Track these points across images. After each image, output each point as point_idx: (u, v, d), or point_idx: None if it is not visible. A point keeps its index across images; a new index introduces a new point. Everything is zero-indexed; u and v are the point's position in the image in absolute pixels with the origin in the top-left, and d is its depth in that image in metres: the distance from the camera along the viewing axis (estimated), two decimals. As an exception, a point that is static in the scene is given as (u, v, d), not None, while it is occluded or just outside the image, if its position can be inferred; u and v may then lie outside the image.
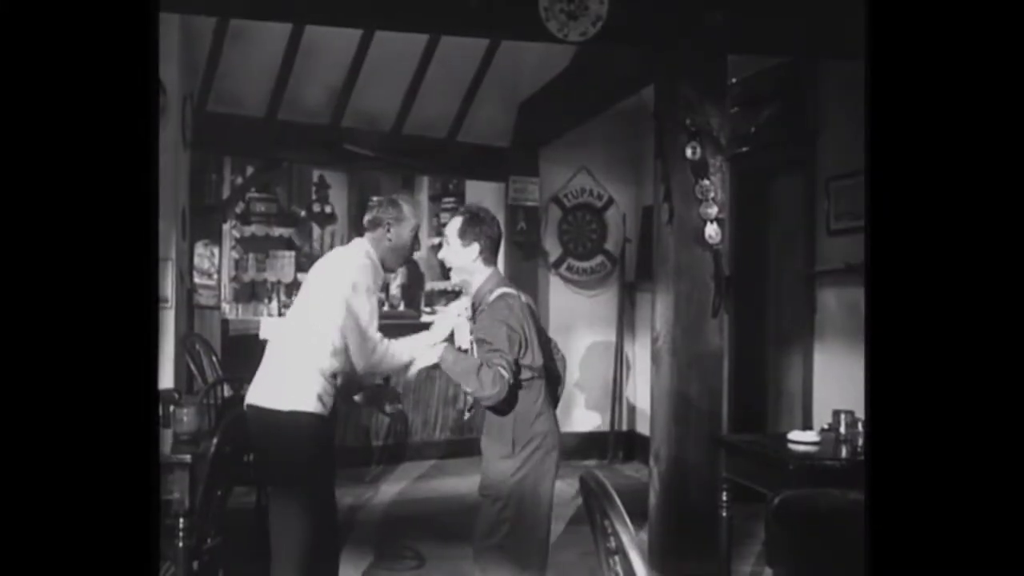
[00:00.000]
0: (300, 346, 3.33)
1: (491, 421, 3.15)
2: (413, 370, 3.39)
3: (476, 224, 3.22)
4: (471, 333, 3.24)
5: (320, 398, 3.29)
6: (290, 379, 3.29)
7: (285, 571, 3.27)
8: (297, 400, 3.26)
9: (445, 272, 3.52)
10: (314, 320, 3.33)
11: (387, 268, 3.55)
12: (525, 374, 3.10)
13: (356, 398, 3.65)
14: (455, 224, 3.25)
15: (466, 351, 3.21)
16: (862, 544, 1.49)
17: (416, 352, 3.35)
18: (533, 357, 3.13)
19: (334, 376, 3.35)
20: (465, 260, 3.22)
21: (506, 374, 2.97)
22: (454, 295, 8.48)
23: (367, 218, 3.52)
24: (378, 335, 3.34)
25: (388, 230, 3.46)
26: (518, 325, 3.09)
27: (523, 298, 3.22)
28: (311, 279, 3.51)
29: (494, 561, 3.08)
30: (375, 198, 3.62)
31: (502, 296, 3.15)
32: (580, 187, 7.39)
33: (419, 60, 6.36)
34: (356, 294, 3.30)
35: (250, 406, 3.34)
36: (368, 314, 3.31)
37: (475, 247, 3.20)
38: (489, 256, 3.24)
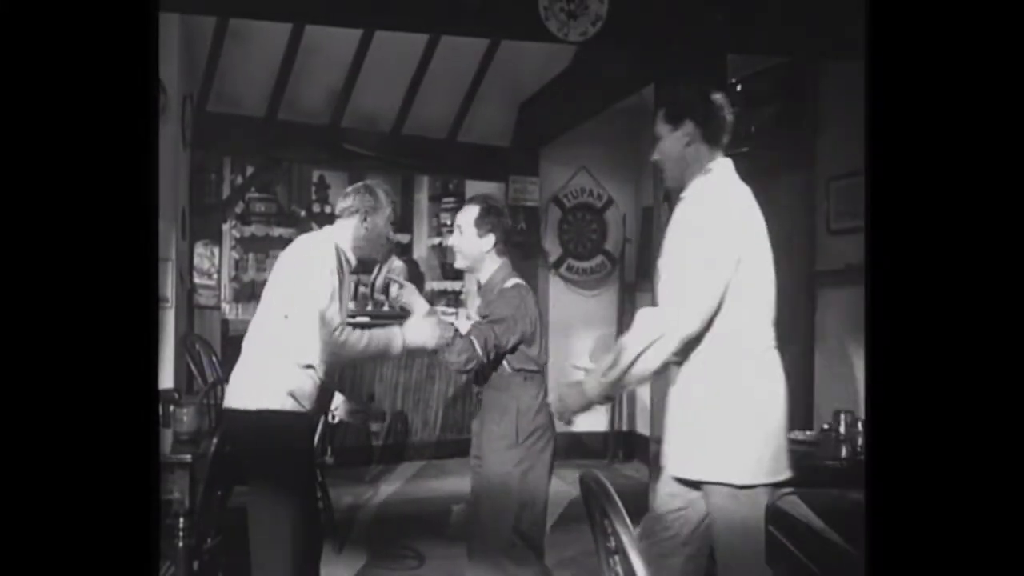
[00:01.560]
0: (267, 339, 3.16)
1: (491, 413, 3.16)
2: (395, 350, 3.23)
3: (493, 215, 3.22)
4: (477, 314, 3.26)
5: (292, 394, 3.09)
6: (259, 377, 3.13)
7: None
8: (267, 399, 3.09)
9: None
10: (280, 308, 3.15)
11: (362, 257, 3.36)
12: (529, 366, 3.15)
13: (338, 414, 3.60)
14: (471, 213, 3.22)
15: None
16: (862, 544, 1.49)
17: (396, 335, 3.19)
18: (540, 351, 3.17)
19: (310, 366, 3.13)
20: (479, 250, 3.22)
21: (478, 347, 3.02)
22: (454, 295, 8.49)
23: (341, 206, 3.34)
24: (338, 319, 3.11)
25: (364, 219, 3.28)
26: (527, 317, 3.12)
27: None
28: (276, 268, 3.34)
29: (507, 558, 3.08)
30: (349, 187, 3.44)
31: (516, 287, 3.19)
32: (580, 187, 7.39)
33: (419, 60, 6.36)
34: (313, 274, 3.11)
35: (225, 409, 3.22)
36: (327, 296, 3.09)
37: (491, 238, 3.20)
38: (502, 247, 3.24)
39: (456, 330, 3.11)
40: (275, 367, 3.11)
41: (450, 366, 3.12)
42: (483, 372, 3.16)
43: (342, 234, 3.29)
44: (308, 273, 3.11)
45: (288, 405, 3.09)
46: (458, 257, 3.32)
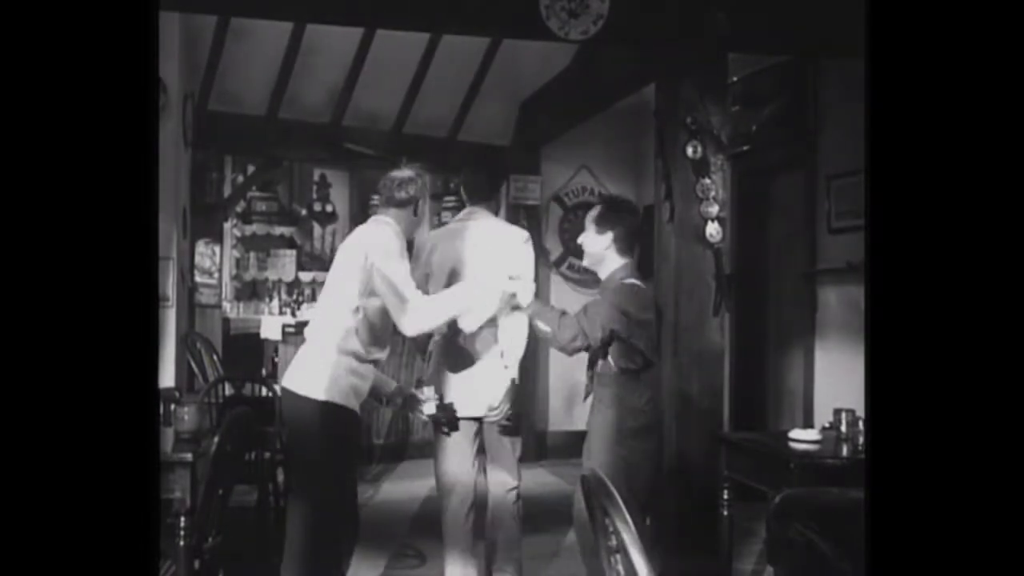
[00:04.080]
0: (335, 330, 3.25)
1: (597, 407, 3.27)
2: (473, 324, 3.43)
3: (613, 212, 3.35)
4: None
5: (354, 389, 3.24)
6: (325, 368, 3.22)
7: (295, 565, 3.26)
8: (331, 391, 3.20)
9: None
10: (340, 297, 3.26)
11: (408, 238, 3.44)
12: (632, 364, 3.22)
13: (426, 410, 3.57)
14: (594, 211, 3.39)
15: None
16: (863, 543, 1.49)
17: (471, 300, 3.34)
18: (648, 350, 3.23)
19: (375, 360, 3.30)
20: (599, 247, 3.34)
21: (585, 326, 3.13)
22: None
23: (401, 196, 3.35)
24: (417, 293, 3.23)
25: (416, 206, 3.39)
26: (637, 311, 3.19)
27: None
28: (336, 258, 3.42)
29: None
30: (396, 176, 3.40)
31: (631, 285, 3.27)
32: (581, 186, 7.38)
33: (420, 59, 6.36)
34: (387, 259, 3.20)
35: (284, 389, 3.33)
36: (403, 276, 3.22)
37: (609, 235, 3.31)
38: (624, 247, 3.33)
39: (564, 311, 3.24)
40: (342, 361, 3.22)
41: (555, 344, 3.23)
42: (591, 367, 3.29)
43: (397, 222, 3.36)
44: (384, 264, 3.20)
45: (350, 403, 3.24)
46: (585, 255, 3.44)
